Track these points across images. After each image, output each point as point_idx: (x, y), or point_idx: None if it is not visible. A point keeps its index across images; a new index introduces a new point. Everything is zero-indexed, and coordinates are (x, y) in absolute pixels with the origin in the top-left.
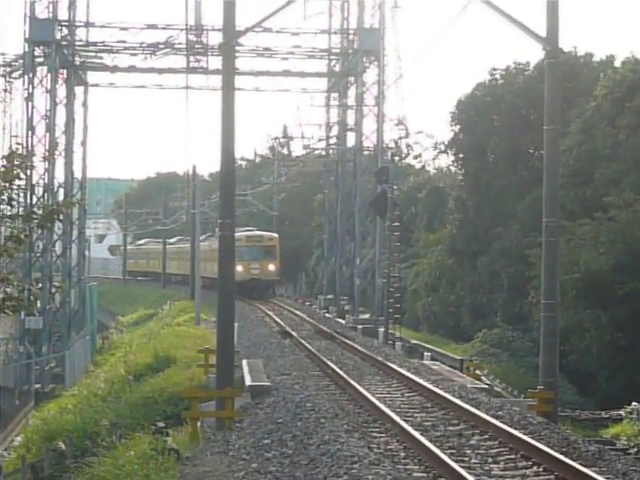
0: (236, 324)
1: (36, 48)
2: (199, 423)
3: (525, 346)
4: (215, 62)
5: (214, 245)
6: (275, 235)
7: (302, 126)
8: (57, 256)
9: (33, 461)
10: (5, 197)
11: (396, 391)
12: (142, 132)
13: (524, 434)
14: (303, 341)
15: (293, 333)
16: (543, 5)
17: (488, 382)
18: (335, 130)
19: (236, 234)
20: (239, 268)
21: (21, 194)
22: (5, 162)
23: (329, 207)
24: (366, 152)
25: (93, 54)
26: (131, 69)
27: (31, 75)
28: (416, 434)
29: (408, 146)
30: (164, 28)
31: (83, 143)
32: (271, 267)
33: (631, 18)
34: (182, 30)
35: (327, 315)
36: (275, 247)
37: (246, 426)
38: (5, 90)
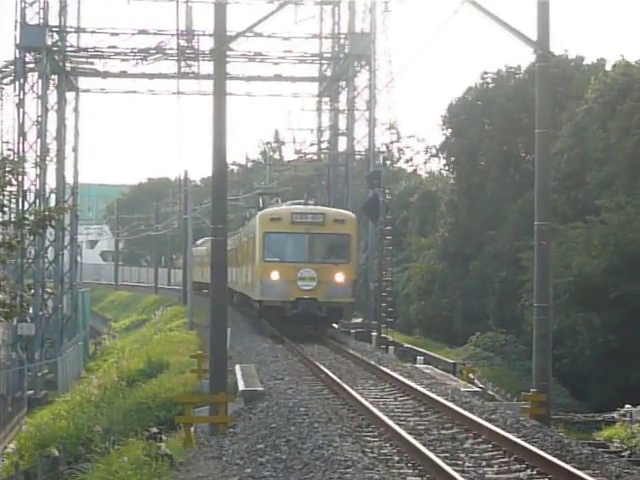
0: (229, 329)
1: (27, 54)
2: (192, 428)
3: (518, 349)
4: (206, 67)
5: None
6: (350, 214)
7: (294, 131)
8: (49, 262)
9: (26, 468)
10: None
11: (389, 395)
12: (134, 137)
13: (517, 437)
14: (296, 346)
15: (285, 338)
16: (534, 9)
17: (481, 386)
18: (327, 134)
19: (273, 208)
20: (274, 276)
21: (13, 200)
22: None
23: None
24: (358, 156)
25: (84, 60)
26: (122, 74)
27: (22, 81)
28: (410, 438)
29: (400, 150)
30: (155, 33)
31: (74, 149)
32: (339, 278)
33: (621, 22)
34: (173, 35)
35: None
36: (350, 238)
37: (239, 431)
38: None
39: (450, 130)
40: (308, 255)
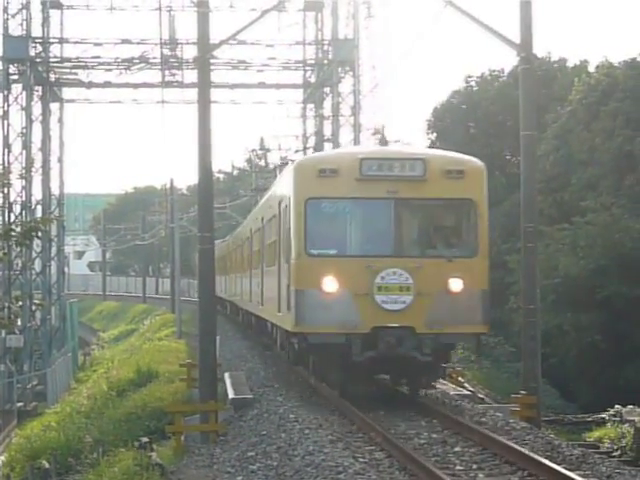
0: (218, 337)
1: (10, 65)
2: (183, 437)
3: (506, 352)
4: (190, 75)
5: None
6: (474, 161)
7: (279, 137)
8: (36, 273)
9: None
10: None
11: (379, 400)
12: (119, 147)
13: (508, 440)
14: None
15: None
16: (517, 12)
17: (471, 389)
18: (312, 141)
19: (324, 153)
20: (328, 285)
21: None
22: None
23: None
24: None
25: (68, 70)
26: (106, 84)
27: (6, 93)
28: (400, 443)
29: None
30: (138, 43)
31: (60, 159)
32: (456, 285)
33: (604, 23)
34: (156, 44)
35: None
36: (477, 206)
37: (230, 439)
38: None
39: (435, 134)
40: (394, 243)
